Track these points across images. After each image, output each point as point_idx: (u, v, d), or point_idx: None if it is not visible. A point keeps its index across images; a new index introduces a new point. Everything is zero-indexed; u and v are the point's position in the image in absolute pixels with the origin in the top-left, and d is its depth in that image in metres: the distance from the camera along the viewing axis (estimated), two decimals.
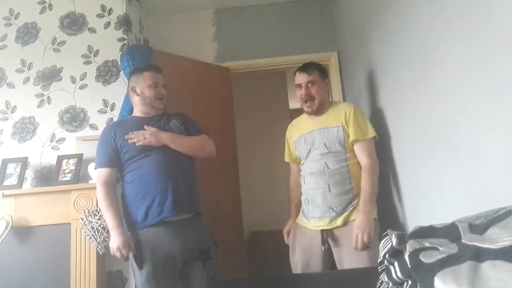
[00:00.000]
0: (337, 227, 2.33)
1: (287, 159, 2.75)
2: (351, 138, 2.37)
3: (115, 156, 2.34)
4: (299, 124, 2.67)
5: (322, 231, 2.35)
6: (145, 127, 2.36)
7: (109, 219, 2.23)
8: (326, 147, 2.41)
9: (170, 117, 2.51)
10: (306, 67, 2.54)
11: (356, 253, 2.22)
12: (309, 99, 2.49)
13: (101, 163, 2.34)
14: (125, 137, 2.32)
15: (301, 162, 2.57)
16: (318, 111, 2.52)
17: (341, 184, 2.35)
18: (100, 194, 2.28)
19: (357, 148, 2.39)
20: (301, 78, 2.51)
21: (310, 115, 2.57)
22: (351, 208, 2.32)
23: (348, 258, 2.26)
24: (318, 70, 2.54)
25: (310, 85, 2.49)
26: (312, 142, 2.48)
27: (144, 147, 2.29)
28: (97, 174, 2.33)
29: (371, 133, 2.41)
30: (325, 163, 2.39)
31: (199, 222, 2.38)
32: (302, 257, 2.42)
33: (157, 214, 2.22)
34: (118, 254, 2.17)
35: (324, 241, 2.33)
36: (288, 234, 2.60)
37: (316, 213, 2.38)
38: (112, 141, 2.34)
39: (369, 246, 2.20)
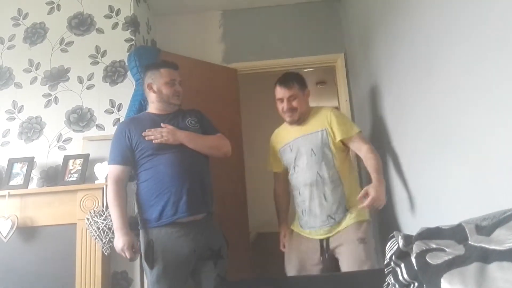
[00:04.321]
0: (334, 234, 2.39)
1: (274, 169, 2.75)
2: (338, 138, 2.41)
3: (129, 154, 2.31)
4: (282, 133, 2.69)
5: (321, 241, 2.39)
6: (162, 125, 2.33)
7: (114, 218, 2.21)
8: (314, 152, 2.43)
9: (186, 114, 2.48)
10: (286, 81, 2.53)
11: (353, 248, 2.30)
12: (291, 111, 2.51)
13: (114, 160, 2.31)
14: (143, 133, 2.29)
15: (290, 172, 2.58)
16: (299, 121, 2.54)
17: (335, 191, 2.40)
18: (109, 192, 2.26)
19: (351, 144, 2.45)
20: (282, 93, 2.52)
21: (291, 125, 2.59)
22: (347, 214, 2.37)
23: (346, 253, 2.33)
24: (297, 83, 2.54)
25: (291, 99, 2.50)
26: (297, 149, 2.50)
27: (160, 145, 2.26)
28: (110, 171, 2.31)
29: (356, 129, 2.47)
30: (317, 172, 2.41)
31: (210, 222, 2.35)
32: (299, 265, 2.47)
33: (172, 214, 2.19)
34: (123, 255, 2.16)
35: (323, 253, 2.38)
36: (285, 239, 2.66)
37: (316, 223, 2.41)
38: (127, 138, 2.31)
39: (365, 241, 2.30)
